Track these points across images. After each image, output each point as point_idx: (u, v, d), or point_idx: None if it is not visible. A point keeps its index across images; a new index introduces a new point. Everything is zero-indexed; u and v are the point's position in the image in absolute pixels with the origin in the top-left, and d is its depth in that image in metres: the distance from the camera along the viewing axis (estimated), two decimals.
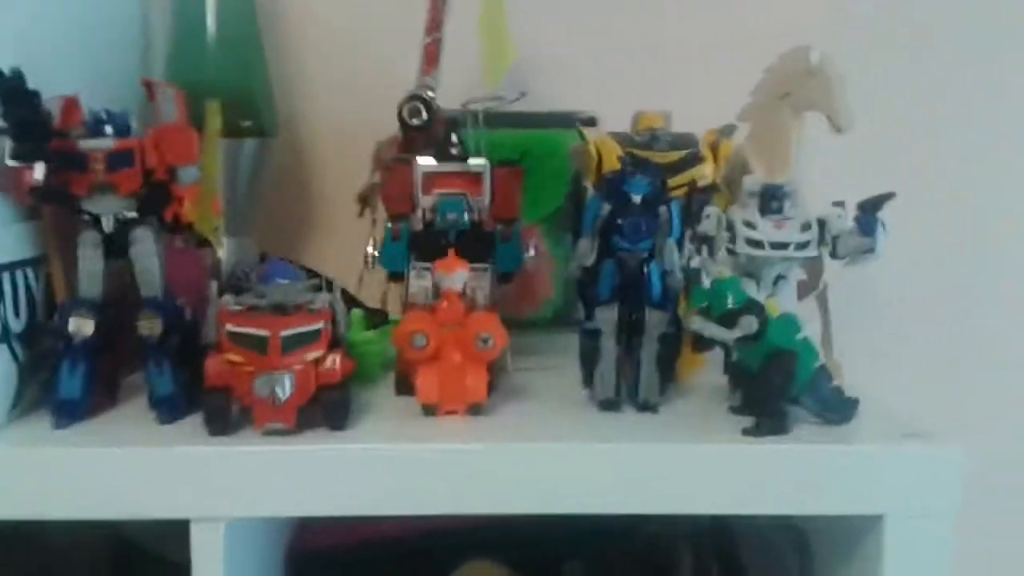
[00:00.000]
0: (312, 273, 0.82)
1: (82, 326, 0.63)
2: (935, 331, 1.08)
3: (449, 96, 0.82)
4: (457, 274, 0.66)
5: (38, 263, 0.67)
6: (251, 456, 0.60)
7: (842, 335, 0.80)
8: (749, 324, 0.63)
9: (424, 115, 0.70)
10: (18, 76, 0.58)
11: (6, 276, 0.63)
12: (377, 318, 0.80)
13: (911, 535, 0.62)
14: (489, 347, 0.65)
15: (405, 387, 0.70)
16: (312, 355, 0.62)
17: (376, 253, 0.73)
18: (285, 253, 0.99)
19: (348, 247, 0.87)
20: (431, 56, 0.85)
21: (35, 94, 0.59)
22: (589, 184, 0.78)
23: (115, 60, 0.86)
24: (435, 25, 0.85)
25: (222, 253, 0.74)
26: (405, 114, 0.70)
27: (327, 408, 0.62)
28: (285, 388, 0.60)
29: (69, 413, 0.63)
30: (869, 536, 0.64)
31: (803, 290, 0.77)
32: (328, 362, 0.62)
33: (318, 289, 0.67)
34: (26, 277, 0.66)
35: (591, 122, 0.88)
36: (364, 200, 0.90)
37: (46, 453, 0.60)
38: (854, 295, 0.89)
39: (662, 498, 0.62)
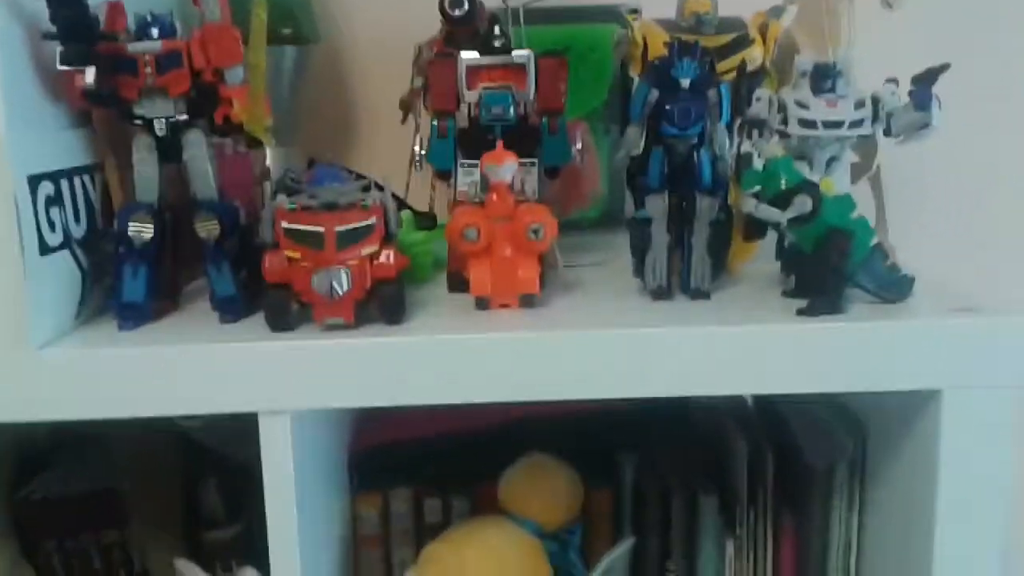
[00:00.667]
0: (360, 176, 0.83)
1: (141, 230, 0.64)
2: (986, 209, 1.06)
3: None
4: (506, 165, 0.66)
5: (94, 170, 0.68)
6: (313, 350, 0.62)
7: (894, 216, 0.79)
8: (803, 204, 0.62)
9: (465, 6, 0.69)
10: None
11: (64, 183, 0.64)
12: (426, 220, 0.81)
13: (969, 409, 0.62)
14: (540, 238, 0.65)
15: (458, 283, 0.71)
16: (367, 250, 0.63)
17: (423, 152, 0.73)
18: (329, 160, 1.00)
19: (391, 154, 0.88)
20: None
21: None
22: (635, 74, 0.77)
23: None
24: None
25: (270, 157, 0.74)
26: (447, 5, 0.69)
27: (383, 302, 0.63)
28: (342, 283, 0.61)
29: (134, 315, 0.65)
30: (926, 412, 0.64)
31: (857, 172, 0.76)
32: (383, 257, 0.63)
33: (367, 189, 0.67)
34: (83, 184, 0.66)
35: (635, 12, 0.86)
36: (406, 106, 0.90)
37: (114, 354, 0.62)
38: (905, 176, 0.87)
39: (720, 380, 0.62)
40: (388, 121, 0.90)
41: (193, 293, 0.73)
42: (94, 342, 0.63)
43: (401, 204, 0.83)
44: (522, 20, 0.78)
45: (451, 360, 0.62)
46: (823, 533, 0.79)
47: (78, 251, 0.65)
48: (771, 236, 0.71)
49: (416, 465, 0.85)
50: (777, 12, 0.75)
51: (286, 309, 0.63)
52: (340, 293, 0.61)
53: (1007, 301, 0.63)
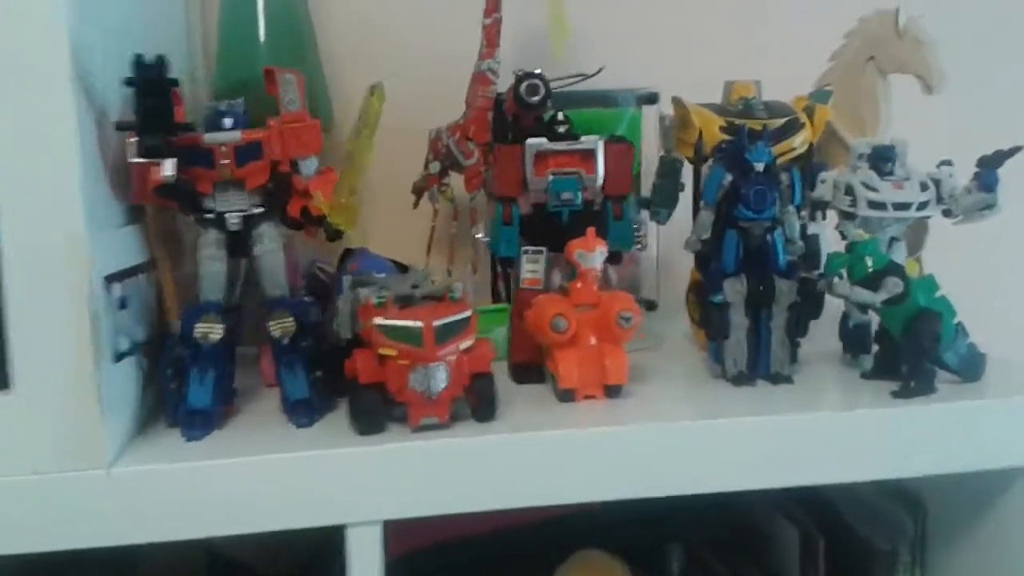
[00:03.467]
0: (400, 266, 0.80)
1: (209, 331, 0.60)
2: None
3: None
4: (597, 252, 0.64)
5: (148, 268, 0.63)
6: (407, 454, 0.58)
7: None
8: (895, 285, 0.63)
9: (542, 91, 0.68)
10: (161, 63, 0.53)
11: (129, 283, 0.59)
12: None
13: None
14: (631, 325, 0.64)
15: (527, 375, 0.69)
16: (464, 344, 0.59)
17: (486, 239, 0.70)
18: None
19: (402, 240, 0.85)
20: (491, 38, 0.83)
21: (174, 83, 0.55)
22: (683, 156, 0.76)
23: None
24: (494, 6, 0.83)
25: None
26: (523, 92, 0.68)
27: (481, 398, 0.60)
28: (440, 380, 0.58)
29: (202, 424, 0.60)
30: (1010, 489, 0.65)
31: (909, 252, 0.77)
32: (479, 350, 0.60)
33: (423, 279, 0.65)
34: (140, 284, 0.61)
35: (652, 98, 0.87)
36: (419, 191, 0.88)
37: (190, 468, 0.56)
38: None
39: (821, 469, 0.62)
40: (401, 206, 0.87)
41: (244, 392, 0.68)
42: (162, 456, 0.57)
43: None
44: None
45: (554, 458, 0.59)
46: None
47: (139, 355, 0.60)
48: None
49: (458, 567, 0.81)
50: (824, 96, 0.76)
51: (379, 411, 0.59)
52: (438, 391, 0.58)
53: None
